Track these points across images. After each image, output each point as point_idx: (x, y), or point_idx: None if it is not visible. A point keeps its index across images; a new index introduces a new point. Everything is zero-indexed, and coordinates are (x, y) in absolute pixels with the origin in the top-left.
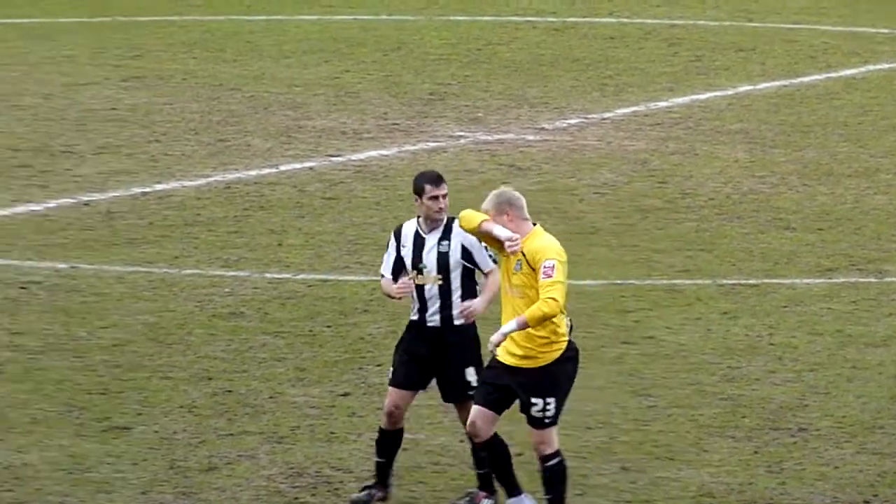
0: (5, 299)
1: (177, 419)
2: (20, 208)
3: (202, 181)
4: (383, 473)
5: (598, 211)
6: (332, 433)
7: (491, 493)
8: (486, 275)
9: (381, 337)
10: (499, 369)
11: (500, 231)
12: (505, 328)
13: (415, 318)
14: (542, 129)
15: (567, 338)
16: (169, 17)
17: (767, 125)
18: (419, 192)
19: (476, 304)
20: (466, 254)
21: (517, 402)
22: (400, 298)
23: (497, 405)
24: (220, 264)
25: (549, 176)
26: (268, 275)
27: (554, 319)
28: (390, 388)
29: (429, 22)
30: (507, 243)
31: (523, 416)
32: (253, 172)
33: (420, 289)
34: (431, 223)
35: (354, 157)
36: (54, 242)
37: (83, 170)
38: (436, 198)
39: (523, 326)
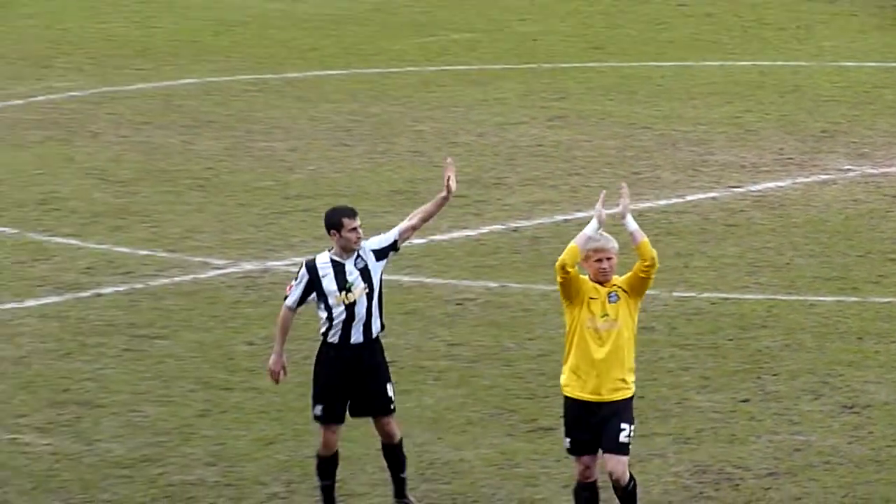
0: (444, 314)
1: None
2: (457, 234)
3: (614, 210)
4: (330, 496)
5: None
6: (733, 435)
7: None
8: (403, 231)
9: (778, 349)
10: (579, 418)
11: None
12: (631, 223)
13: (334, 340)
14: None
15: None
16: (588, 64)
17: None
18: (337, 226)
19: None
20: (380, 252)
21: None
22: (276, 379)
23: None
24: None
25: None
26: (675, 293)
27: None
28: (330, 425)
29: (821, 67)
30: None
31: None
32: (662, 202)
33: (350, 308)
34: (348, 253)
35: (753, 188)
36: (486, 264)
37: (512, 200)
38: (355, 229)
39: (642, 236)
